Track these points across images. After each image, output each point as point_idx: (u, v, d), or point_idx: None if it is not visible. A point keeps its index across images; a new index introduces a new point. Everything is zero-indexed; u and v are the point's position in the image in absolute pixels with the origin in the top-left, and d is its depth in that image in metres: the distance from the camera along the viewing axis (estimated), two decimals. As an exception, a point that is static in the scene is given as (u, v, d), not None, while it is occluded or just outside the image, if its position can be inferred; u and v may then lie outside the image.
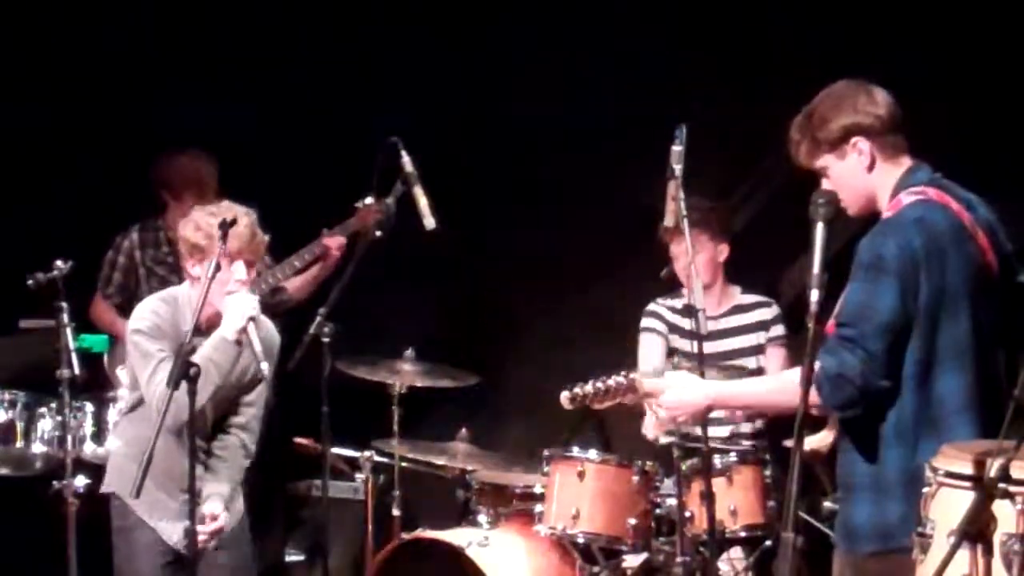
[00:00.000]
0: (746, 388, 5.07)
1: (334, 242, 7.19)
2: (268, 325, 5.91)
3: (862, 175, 4.59)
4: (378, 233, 7.04)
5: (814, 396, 4.39)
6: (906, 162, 4.63)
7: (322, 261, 7.23)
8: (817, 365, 4.39)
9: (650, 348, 6.90)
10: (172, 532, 5.70)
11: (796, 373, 4.49)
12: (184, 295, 5.79)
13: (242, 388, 5.83)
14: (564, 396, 5.05)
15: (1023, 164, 6.85)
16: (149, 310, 5.76)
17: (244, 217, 5.66)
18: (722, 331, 6.82)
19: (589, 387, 4.99)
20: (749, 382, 5.15)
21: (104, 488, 5.85)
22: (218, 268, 5.50)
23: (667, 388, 4.90)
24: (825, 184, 4.63)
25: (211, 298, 5.56)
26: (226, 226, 5.50)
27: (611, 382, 4.94)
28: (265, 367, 5.56)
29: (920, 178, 4.59)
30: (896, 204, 4.58)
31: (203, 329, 5.61)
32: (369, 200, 7.07)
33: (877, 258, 4.45)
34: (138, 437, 5.55)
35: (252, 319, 5.58)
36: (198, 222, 5.69)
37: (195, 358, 5.41)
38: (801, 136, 4.63)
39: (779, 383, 4.86)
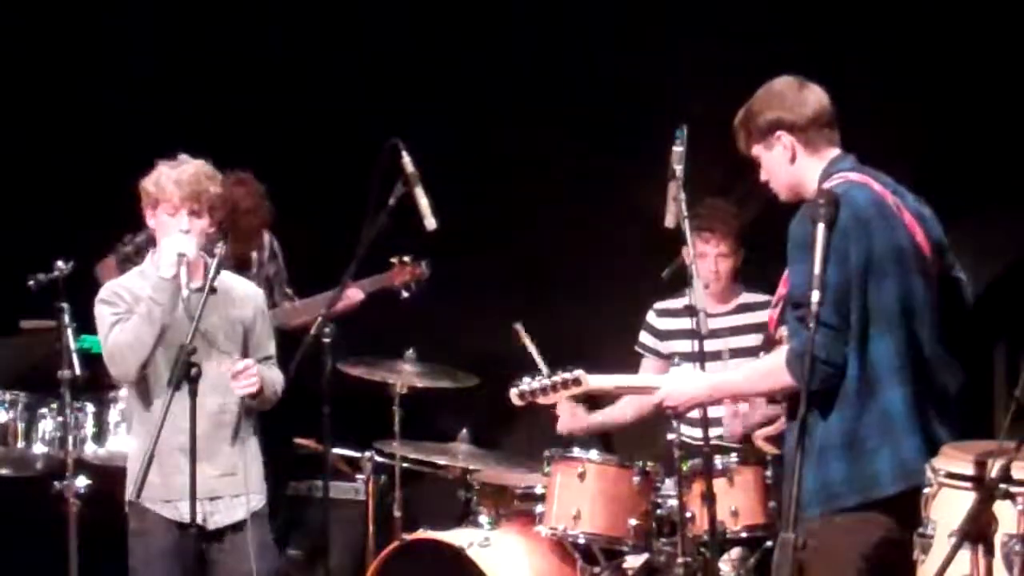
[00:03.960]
0: (739, 376, 5.12)
1: (355, 295, 7.08)
2: (244, 281, 5.97)
3: (786, 166, 4.85)
4: (405, 294, 7.07)
5: (788, 380, 4.60)
6: (831, 154, 4.83)
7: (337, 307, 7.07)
8: (785, 350, 4.63)
9: (643, 370, 6.91)
10: (190, 510, 5.56)
11: (782, 355, 4.66)
12: (147, 261, 5.83)
13: (234, 340, 5.80)
14: (513, 393, 5.19)
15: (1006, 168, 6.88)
16: (112, 282, 5.85)
17: (188, 167, 5.71)
18: (727, 328, 6.81)
19: (536, 383, 5.13)
20: (742, 370, 5.21)
21: (128, 496, 5.69)
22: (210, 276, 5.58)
23: (665, 381, 5.09)
24: (762, 172, 4.90)
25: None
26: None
27: (557, 378, 5.07)
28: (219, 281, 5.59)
29: (843, 166, 4.80)
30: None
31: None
32: (406, 258, 7.06)
33: (807, 235, 4.56)
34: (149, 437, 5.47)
35: (183, 255, 5.59)
36: (159, 175, 5.72)
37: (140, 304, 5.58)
38: (740, 125, 4.93)
39: (768, 366, 4.84)
